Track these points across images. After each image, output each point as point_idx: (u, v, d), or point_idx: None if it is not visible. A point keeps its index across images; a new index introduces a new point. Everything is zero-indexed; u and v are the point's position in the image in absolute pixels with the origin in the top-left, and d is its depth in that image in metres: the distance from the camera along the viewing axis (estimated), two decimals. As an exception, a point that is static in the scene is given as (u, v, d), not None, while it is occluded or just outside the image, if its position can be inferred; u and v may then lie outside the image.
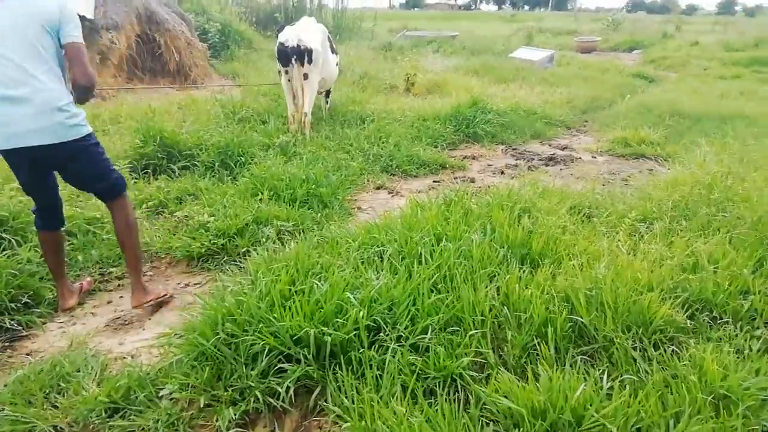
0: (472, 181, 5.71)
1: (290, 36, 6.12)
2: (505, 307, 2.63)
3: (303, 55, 6.07)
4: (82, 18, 8.30)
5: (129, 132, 5.60)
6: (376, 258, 3.15)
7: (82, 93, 2.80)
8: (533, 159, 6.67)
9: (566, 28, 31.21)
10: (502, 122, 7.64)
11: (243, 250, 3.71)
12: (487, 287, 2.75)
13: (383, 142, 6.37)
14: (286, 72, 6.23)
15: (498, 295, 2.76)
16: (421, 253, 3.09)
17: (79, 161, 2.84)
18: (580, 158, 6.77)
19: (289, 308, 2.47)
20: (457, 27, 26.66)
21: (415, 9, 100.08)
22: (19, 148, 2.64)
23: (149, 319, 3.13)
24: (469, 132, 7.30)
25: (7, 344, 2.82)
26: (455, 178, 5.82)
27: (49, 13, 2.68)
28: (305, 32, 6.24)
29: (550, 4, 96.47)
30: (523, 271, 2.94)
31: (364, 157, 5.92)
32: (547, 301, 2.62)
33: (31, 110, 2.61)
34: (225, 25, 13.81)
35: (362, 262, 3.11)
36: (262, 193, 4.39)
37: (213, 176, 5.18)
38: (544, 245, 3.22)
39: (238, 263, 3.62)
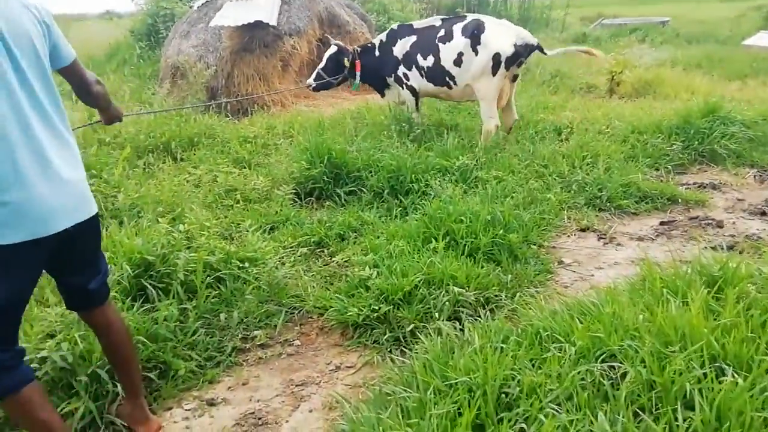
0: (720, 225, 4.15)
1: (522, 33, 5.45)
2: None
3: (529, 54, 5.50)
4: (266, 25, 8.29)
5: (298, 149, 5.13)
6: (605, 384, 2.03)
7: (106, 102, 2.27)
8: (807, 192, 4.77)
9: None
10: (750, 136, 5.74)
11: (409, 326, 2.84)
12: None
13: (588, 164, 5.05)
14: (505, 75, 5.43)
15: None
16: (686, 392, 1.90)
17: (88, 241, 2.07)
18: None
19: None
20: (665, 11, 23.04)
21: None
22: (49, 235, 1.81)
23: (287, 421, 2.42)
24: (705, 150, 5.57)
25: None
26: (693, 219, 4.30)
27: (39, 20, 1.86)
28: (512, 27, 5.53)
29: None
30: None
31: (564, 186, 4.69)
32: None
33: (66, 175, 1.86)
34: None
35: (584, 388, 2.03)
36: (436, 240, 3.48)
37: (381, 205, 4.45)
38: None
39: (403, 344, 2.78)
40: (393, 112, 6.14)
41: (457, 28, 5.57)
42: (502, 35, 5.35)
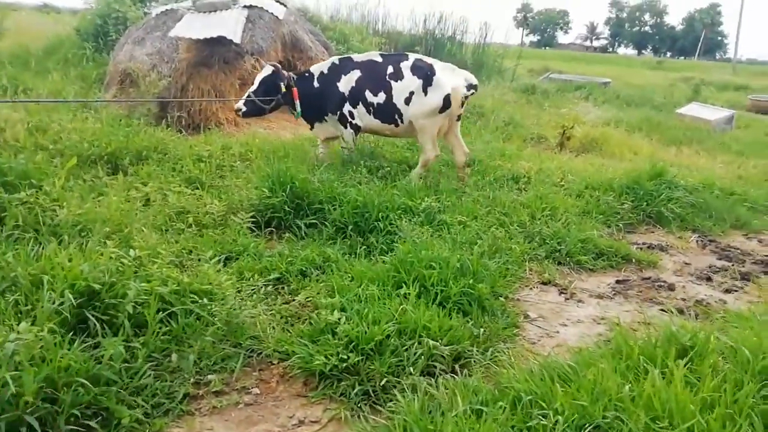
0: (671, 288, 4.29)
1: (467, 75, 5.79)
2: None
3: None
4: (228, 42, 8.05)
5: (259, 174, 4.90)
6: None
7: None
8: (744, 261, 5.07)
9: (731, 82, 27.78)
10: (692, 202, 6.08)
11: (381, 380, 2.67)
12: None
13: (546, 216, 5.14)
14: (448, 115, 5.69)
15: None
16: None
17: None
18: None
19: None
20: (600, 71, 24.65)
21: (546, 48, 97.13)
22: None
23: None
24: (652, 212, 5.83)
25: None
26: (645, 279, 4.43)
27: None
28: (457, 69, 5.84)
29: (697, 53, 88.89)
30: None
31: (525, 236, 4.73)
32: None
33: None
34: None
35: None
36: (406, 285, 3.37)
37: (344, 241, 4.30)
38: None
39: (373, 399, 2.61)
40: (354, 145, 6.02)
41: (406, 67, 5.64)
42: (452, 77, 5.66)
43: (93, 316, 2.70)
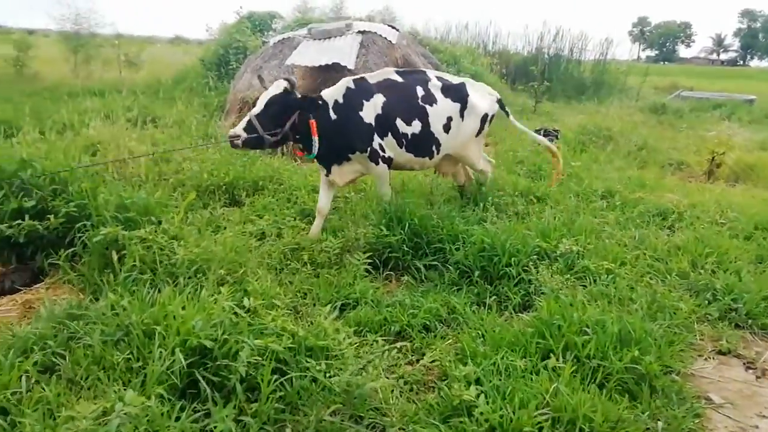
0: None
1: (490, 90, 5.31)
2: None
3: None
4: (342, 68, 7.94)
5: (376, 209, 4.55)
6: None
7: None
8: None
9: None
10: None
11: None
12: None
13: (712, 264, 4.27)
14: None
15: None
16: None
17: None
18: None
19: None
20: (738, 87, 22.09)
21: (665, 63, 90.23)
22: None
23: None
24: None
25: None
26: None
27: None
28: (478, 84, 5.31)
29: None
30: None
31: (689, 290, 3.93)
32: None
33: None
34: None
35: None
36: (555, 355, 2.78)
37: (470, 288, 3.79)
38: None
39: None
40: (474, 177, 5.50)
41: (435, 88, 4.82)
42: (483, 96, 5.10)
43: (203, 377, 2.44)
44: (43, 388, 2.34)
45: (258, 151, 5.77)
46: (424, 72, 5.07)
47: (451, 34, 17.38)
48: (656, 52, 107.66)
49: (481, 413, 2.40)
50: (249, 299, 2.95)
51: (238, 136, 4.00)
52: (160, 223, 3.74)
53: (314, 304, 3.48)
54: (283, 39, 9.48)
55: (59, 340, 2.69)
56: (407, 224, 4.22)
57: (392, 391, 2.75)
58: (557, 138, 8.40)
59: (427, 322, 3.34)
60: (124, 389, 2.30)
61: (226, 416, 2.23)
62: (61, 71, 14.93)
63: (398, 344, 3.12)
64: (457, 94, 4.89)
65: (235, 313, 2.79)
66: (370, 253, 4.03)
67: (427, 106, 4.70)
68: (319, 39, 9.02)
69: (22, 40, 15.47)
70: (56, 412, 2.22)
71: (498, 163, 7.33)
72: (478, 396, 2.49)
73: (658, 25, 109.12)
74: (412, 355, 3.10)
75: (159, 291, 3.01)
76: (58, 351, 2.61)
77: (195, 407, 2.32)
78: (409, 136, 4.63)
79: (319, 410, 2.51)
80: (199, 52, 15.33)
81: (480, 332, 3.16)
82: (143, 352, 2.54)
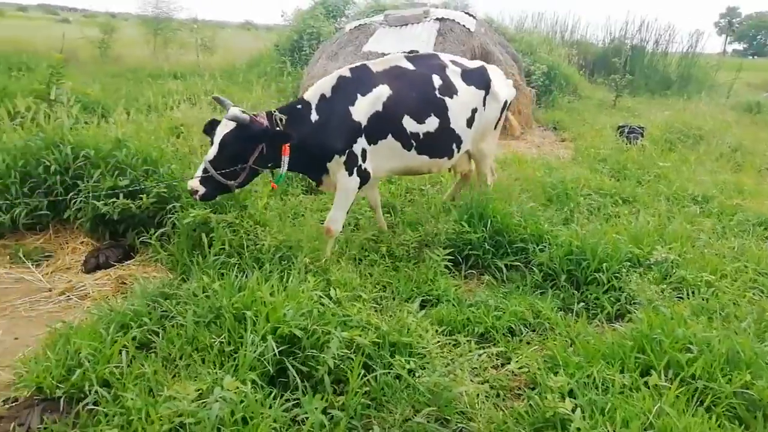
0: None
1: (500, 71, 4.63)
2: None
3: None
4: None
5: (456, 206, 4.44)
6: None
7: None
8: None
9: None
10: None
11: None
12: None
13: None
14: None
15: None
16: None
17: None
18: None
19: None
20: None
21: (754, 57, 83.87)
22: None
23: None
24: None
25: None
26: None
27: None
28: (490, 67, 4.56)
29: None
30: None
31: (799, 309, 3.59)
32: None
33: None
34: (551, 67, 12.46)
35: None
36: (657, 373, 2.59)
37: (555, 292, 3.62)
38: None
39: None
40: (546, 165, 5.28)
41: (454, 74, 4.07)
42: (501, 78, 4.50)
43: (293, 365, 2.44)
44: (142, 364, 2.42)
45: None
46: (437, 55, 4.27)
47: (526, 23, 16.80)
48: (745, 45, 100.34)
49: (578, 429, 2.26)
50: (335, 290, 2.93)
51: (195, 191, 3.18)
52: (245, 207, 3.79)
53: (394, 298, 3.43)
54: (359, 26, 9.44)
55: (153, 317, 2.77)
56: (489, 221, 4.08)
57: (478, 395, 2.66)
58: (642, 136, 7.93)
59: (512, 326, 3.21)
60: (218, 372, 2.33)
61: (316, 408, 2.21)
62: (142, 54, 15.59)
63: (486, 348, 3.01)
64: (481, 78, 4.20)
65: (322, 303, 2.78)
66: (450, 250, 3.93)
67: (447, 99, 3.93)
68: (396, 26, 8.92)
69: (107, 24, 16.28)
70: (155, 389, 2.27)
71: (579, 160, 7.04)
72: (573, 410, 2.36)
73: (750, 16, 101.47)
74: (497, 359, 2.99)
75: (246, 276, 3.05)
76: (153, 329, 2.70)
77: (284, 396, 2.33)
78: (421, 136, 3.84)
79: (404, 409, 2.47)
80: (271, 38, 15.60)
81: (569, 340, 3.01)
82: (234, 336, 2.57)
